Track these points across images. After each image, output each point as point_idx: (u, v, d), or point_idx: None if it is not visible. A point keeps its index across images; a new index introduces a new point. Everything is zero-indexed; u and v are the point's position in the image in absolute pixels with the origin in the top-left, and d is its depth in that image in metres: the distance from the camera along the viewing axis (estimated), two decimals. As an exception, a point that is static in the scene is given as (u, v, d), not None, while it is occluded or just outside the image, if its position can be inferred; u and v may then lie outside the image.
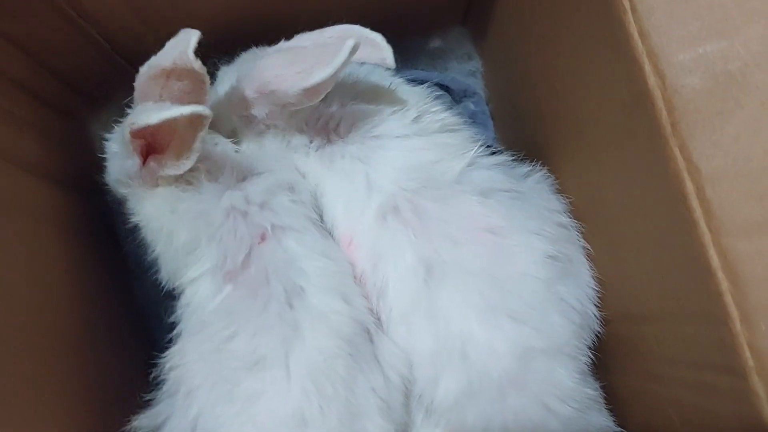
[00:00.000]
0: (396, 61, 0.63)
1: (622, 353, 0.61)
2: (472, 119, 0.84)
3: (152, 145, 0.55)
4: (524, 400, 0.54)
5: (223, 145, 0.62)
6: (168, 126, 0.51)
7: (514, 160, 0.66)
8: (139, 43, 0.67)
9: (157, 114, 0.50)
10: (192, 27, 0.61)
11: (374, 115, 0.63)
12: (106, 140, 0.62)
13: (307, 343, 0.52)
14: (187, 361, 0.53)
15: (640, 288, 0.55)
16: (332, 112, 0.63)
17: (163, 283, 0.61)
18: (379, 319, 0.58)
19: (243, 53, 0.69)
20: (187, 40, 0.52)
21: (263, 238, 0.57)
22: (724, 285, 0.42)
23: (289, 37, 0.66)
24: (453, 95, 0.83)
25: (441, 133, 0.65)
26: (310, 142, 0.64)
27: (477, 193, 0.59)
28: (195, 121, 0.52)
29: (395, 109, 0.64)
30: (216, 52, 0.64)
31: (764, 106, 0.41)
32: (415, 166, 0.61)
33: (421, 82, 0.80)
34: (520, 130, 0.77)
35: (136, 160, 0.56)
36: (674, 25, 0.43)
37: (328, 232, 0.62)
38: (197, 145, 0.54)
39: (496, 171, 0.63)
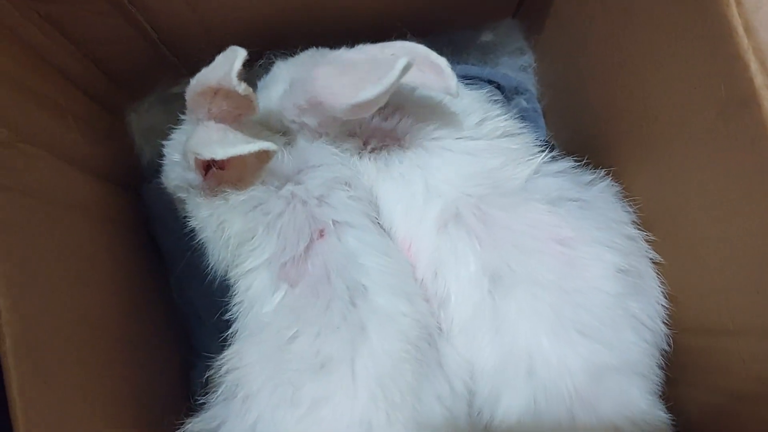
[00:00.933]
0: (445, 55, 0.59)
1: (696, 366, 0.58)
2: (523, 117, 0.81)
3: (215, 162, 0.54)
4: (594, 422, 0.51)
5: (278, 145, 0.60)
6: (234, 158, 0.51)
7: (577, 166, 0.63)
8: (186, 32, 0.64)
9: (223, 150, 0.50)
10: (241, 19, 0.59)
11: (434, 119, 0.61)
12: (164, 146, 0.62)
13: (374, 345, 0.50)
14: (245, 364, 0.51)
15: (722, 302, 0.52)
16: (389, 116, 0.61)
17: (211, 277, 0.59)
18: (440, 328, 0.56)
19: (302, 52, 0.67)
20: (232, 60, 0.50)
21: (322, 234, 0.55)
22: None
23: (348, 39, 0.62)
24: (504, 92, 0.80)
25: (503, 137, 0.62)
26: (364, 144, 0.61)
27: (545, 202, 0.56)
28: (262, 155, 0.51)
29: (456, 112, 0.61)
30: (269, 45, 0.61)
31: None
32: (478, 172, 0.58)
33: (471, 78, 0.78)
34: (577, 130, 0.74)
35: (199, 173, 0.55)
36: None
37: (387, 233, 0.59)
38: (262, 173, 0.55)
39: (563, 178, 0.60)
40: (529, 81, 0.83)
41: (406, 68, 0.50)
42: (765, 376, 0.48)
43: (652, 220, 0.60)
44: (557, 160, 0.62)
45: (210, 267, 0.60)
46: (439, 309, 0.56)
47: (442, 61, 0.56)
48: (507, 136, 0.62)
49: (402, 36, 0.64)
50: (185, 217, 0.61)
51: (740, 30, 0.42)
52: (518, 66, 0.83)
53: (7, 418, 0.41)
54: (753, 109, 0.41)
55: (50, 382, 0.45)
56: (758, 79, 0.41)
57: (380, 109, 0.58)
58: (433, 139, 0.60)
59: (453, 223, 0.56)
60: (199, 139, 0.52)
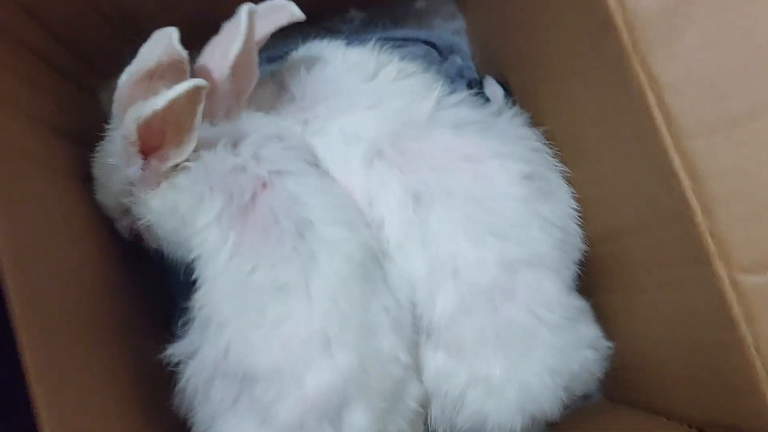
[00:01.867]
0: (385, 22, 0.68)
1: (607, 271, 0.65)
2: (460, 74, 0.89)
3: (147, 145, 0.58)
4: (514, 310, 0.58)
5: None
6: (169, 109, 0.54)
7: (478, 95, 0.73)
8: (147, 16, 0.71)
9: (162, 99, 0.54)
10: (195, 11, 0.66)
11: (332, 80, 0.69)
12: (93, 165, 0.65)
13: (323, 269, 0.56)
14: (213, 299, 0.57)
15: (617, 203, 0.60)
16: (291, 93, 0.70)
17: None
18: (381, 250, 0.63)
19: None
20: (168, 35, 0.57)
21: (264, 186, 0.60)
22: (686, 183, 0.47)
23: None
24: (440, 51, 0.88)
25: (401, 80, 0.71)
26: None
27: (450, 127, 0.65)
28: (193, 96, 0.55)
29: (350, 68, 0.70)
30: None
31: (713, 18, 0.46)
32: (387, 113, 0.67)
33: (410, 39, 0.86)
34: (503, 80, 0.82)
35: (138, 162, 0.59)
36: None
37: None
38: (198, 119, 0.57)
39: (463, 107, 0.69)
40: (462, 42, 0.91)
41: (251, 12, 0.60)
42: (649, 263, 0.57)
43: (560, 141, 0.67)
44: (456, 92, 0.71)
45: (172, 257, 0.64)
46: (377, 232, 0.63)
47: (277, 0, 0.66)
48: (404, 77, 0.71)
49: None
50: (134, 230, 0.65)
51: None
52: (451, 29, 0.91)
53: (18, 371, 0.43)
54: (612, 33, 0.49)
55: (53, 330, 0.49)
56: (612, 5, 0.49)
57: (281, 89, 0.70)
58: (336, 97, 0.68)
59: (377, 159, 0.64)
60: (129, 114, 0.56)
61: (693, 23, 0.46)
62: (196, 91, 0.55)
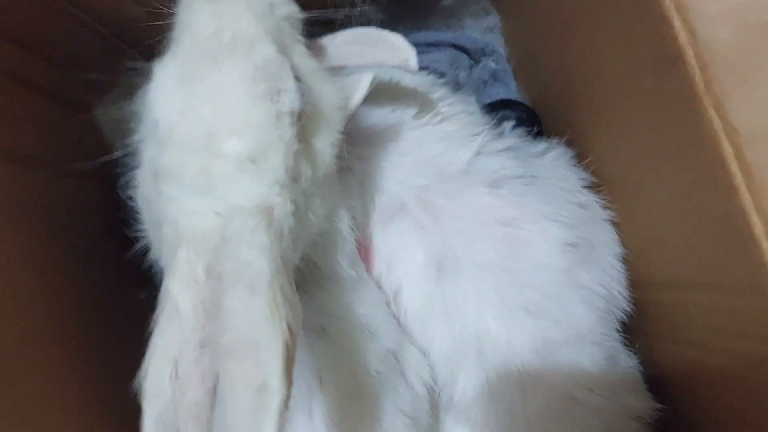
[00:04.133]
0: (406, 22, 0.59)
1: (659, 319, 0.58)
2: (494, 79, 0.81)
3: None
4: (547, 394, 0.52)
5: None
6: None
7: (527, 135, 0.63)
8: (138, 26, 0.65)
9: None
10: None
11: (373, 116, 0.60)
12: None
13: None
14: None
15: (678, 256, 0.53)
16: None
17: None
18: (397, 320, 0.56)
19: None
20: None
21: None
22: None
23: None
24: (471, 55, 0.79)
25: (443, 122, 0.61)
26: None
27: (487, 184, 0.56)
28: None
29: (394, 107, 0.60)
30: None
31: (804, 57, 0.38)
32: (420, 162, 0.58)
33: (435, 43, 0.78)
34: (545, 90, 0.74)
35: None
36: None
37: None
38: None
39: (506, 156, 0.60)
40: (496, 42, 0.82)
41: (372, 83, 0.50)
42: (716, 327, 0.49)
43: (607, 177, 0.60)
44: (501, 136, 0.62)
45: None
46: (394, 300, 0.56)
47: (397, 38, 0.54)
48: (446, 119, 0.61)
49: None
50: None
51: (661, -13, 0.42)
52: (484, 27, 0.82)
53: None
54: (680, 67, 0.41)
55: None
56: (682, 37, 0.41)
57: None
58: (373, 137, 0.59)
59: (399, 215, 0.56)
60: None
61: (779, 62, 0.38)
62: None
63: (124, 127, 0.77)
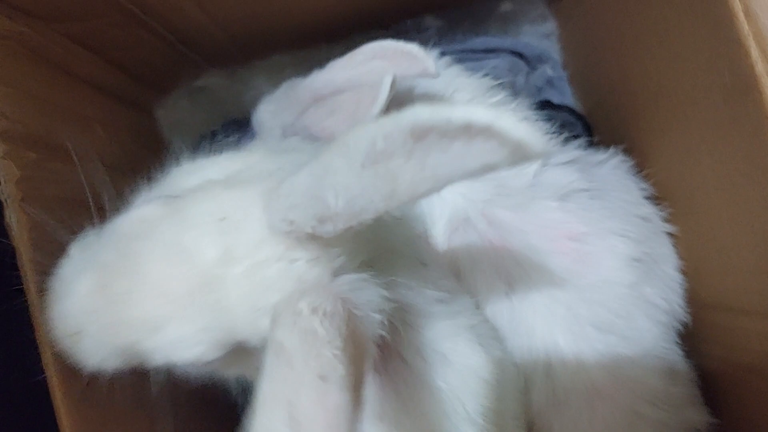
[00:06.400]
0: (464, 28, 0.58)
1: (716, 341, 0.58)
2: (550, 85, 0.80)
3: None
4: (613, 409, 0.53)
5: None
6: None
7: (588, 145, 0.62)
8: (200, 30, 0.66)
9: None
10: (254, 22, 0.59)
11: None
12: None
13: None
14: None
15: (739, 281, 0.52)
16: None
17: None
18: None
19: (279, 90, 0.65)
20: None
21: None
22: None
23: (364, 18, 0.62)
24: (527, 62, 0.78)
25: None
26: None
27: (556, 198, 0.56)
28: None
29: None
30: (281, 33, 0.62)
31: None
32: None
33: (492, 49, 0.77)
34: (599, 101, 0.73)
35: None
36: (784, 5, 0.39)
37: None
38: None
39: (572, 168, 0.59)
40: (552, 49, 0.81)
41: (394, 85, 0.49)
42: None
43: (668, 194, 0.59)
44: (565, 146, 0.61)
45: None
46: None
47: (413, 47, 0.54)
48: None
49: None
50: None
51: (741, 15, 0.40)
52: (540, 33, 0.81)
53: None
54: (755, 97, 0.40)
55: None
56: (759, 66, 0.40)
57: None
58: None
59: (463, 228, 0.56)
60: None
61: None
62: None
63: (183, 129, 0.79)
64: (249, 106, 0.70)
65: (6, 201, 0.46)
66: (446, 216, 0.56)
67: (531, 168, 0.57)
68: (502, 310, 0.54)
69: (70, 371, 0.42)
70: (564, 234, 0.54)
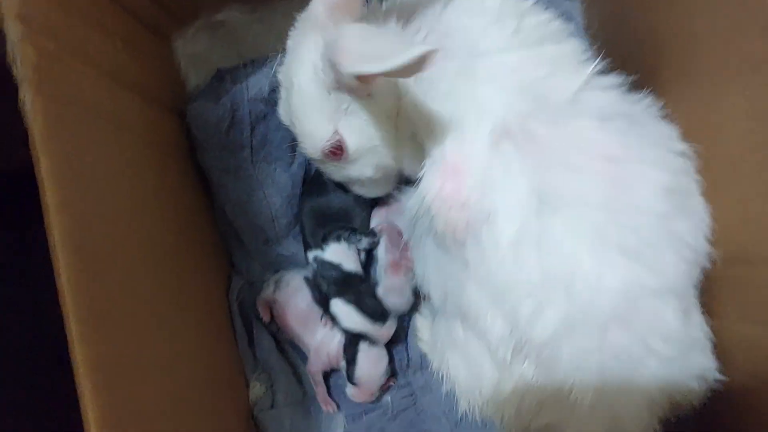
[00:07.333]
0: None
1: (732, 297, 0.57)
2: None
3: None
4: (626, 339, 0.52)
5: None
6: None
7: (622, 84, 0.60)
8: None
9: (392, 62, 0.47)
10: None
11: (468, 30, 0.58)
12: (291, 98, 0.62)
13: None
14: None
15: (761, 229, 0.50)
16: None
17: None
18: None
19: None
20: None
21: None
22: None
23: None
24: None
25: (546, 44, 0.59)
26: None
27: (595, 118, 0.55)
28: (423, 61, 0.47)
29: (489, 20, 0.59)
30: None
31: None
32: (523, 86, 0.56)
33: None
34: (622, 61, 0.72)
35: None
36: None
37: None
38: None
39: (613, 92, 0.58)
40: (575, 9, 0.81)
41: (422, 58, 0.47)
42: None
43: (693, 144, 0.58)
44: (606, 73, 0.59)
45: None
46: (485, 226, 0.55)
47: None
48: (550, 42, 0.59)
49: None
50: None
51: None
52: (561, -7, 0.81)
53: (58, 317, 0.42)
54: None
55: (98, 278, 0.47)
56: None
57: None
58: (470, 53, 0.57)
59: (505, 140, 0.55)
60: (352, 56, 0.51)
61: None
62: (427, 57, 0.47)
63: (199, 63, 0.79)
64: (268, 48, 0.70)
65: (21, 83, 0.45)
66: (489, 126, 0.55)
67: (574, 84, 0.56)
68: (531, 227, 0.53)
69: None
70: (601, 153, 0.53)
